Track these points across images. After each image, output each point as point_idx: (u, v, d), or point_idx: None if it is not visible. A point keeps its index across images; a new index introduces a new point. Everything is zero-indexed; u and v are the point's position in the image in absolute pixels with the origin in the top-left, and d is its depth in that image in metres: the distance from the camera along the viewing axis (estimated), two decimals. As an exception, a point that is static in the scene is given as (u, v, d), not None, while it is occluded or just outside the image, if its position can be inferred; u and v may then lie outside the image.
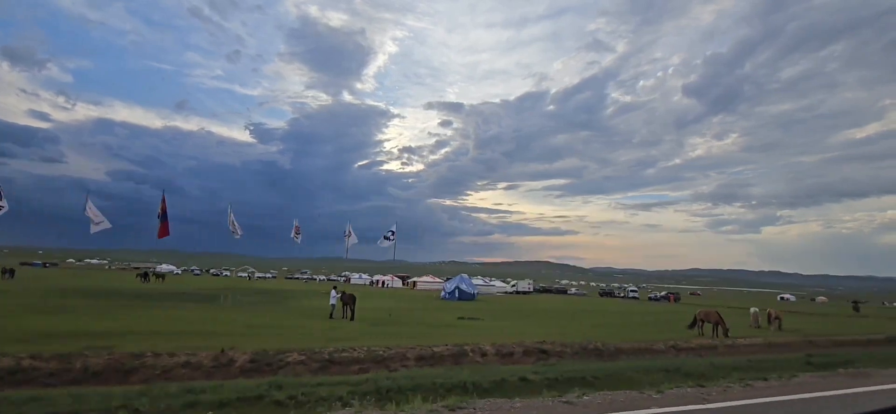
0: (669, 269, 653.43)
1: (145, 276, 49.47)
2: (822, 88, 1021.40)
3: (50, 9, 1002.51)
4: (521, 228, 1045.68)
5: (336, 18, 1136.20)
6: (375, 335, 14.74)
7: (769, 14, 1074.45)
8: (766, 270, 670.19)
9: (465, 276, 51.00)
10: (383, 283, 74.39)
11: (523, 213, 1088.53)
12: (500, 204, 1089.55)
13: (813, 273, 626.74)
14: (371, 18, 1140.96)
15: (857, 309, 43.98)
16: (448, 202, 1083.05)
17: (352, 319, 20.40)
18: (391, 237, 31.94)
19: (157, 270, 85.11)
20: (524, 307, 37.67)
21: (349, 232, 31.72)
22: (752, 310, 26.02)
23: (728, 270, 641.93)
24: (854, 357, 12.70)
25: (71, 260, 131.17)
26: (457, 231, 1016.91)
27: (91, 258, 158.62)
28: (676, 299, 66.26)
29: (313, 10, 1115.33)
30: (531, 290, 72.17)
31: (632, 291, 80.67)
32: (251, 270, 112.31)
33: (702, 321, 19.52)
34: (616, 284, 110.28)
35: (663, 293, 75.53)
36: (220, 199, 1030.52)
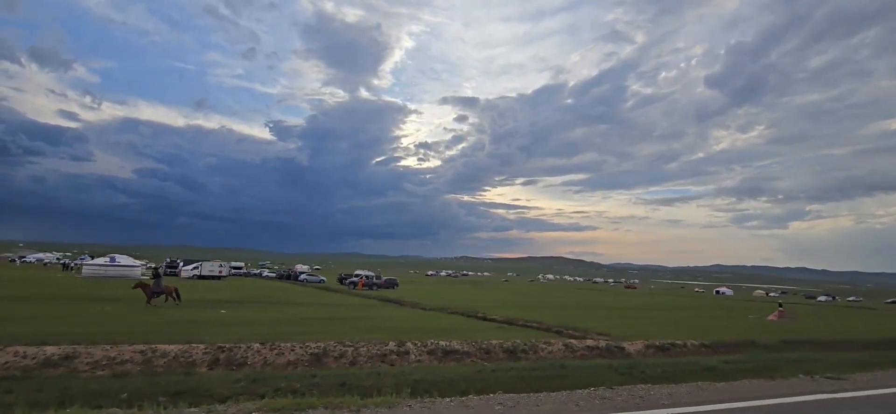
0: (691, 264, 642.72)
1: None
2: (853, 77, 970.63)
3: (74, 10, 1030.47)
4: (540, 224, 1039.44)
5: (352, 14, 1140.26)
6: None
7: (795, 0, 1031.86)
8: (793, 266, 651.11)
9: None
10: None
11: (542, 208, 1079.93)
12: (519, 199, 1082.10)
13: (842, 269, 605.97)
14: (387, 13, 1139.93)
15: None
16: (466, 198, 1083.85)
17: None
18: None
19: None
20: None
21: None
22: None
23: (752, 266, 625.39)
24: None
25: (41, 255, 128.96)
26: (474, 227, 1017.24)
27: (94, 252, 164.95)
28: (369, 286, 48.79)
29: (328, 6, 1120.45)
30: (222, 274, 59.83)
31: (302, 274, 67.06)
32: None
33: None
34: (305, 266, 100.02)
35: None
36: (241, 195, 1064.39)
